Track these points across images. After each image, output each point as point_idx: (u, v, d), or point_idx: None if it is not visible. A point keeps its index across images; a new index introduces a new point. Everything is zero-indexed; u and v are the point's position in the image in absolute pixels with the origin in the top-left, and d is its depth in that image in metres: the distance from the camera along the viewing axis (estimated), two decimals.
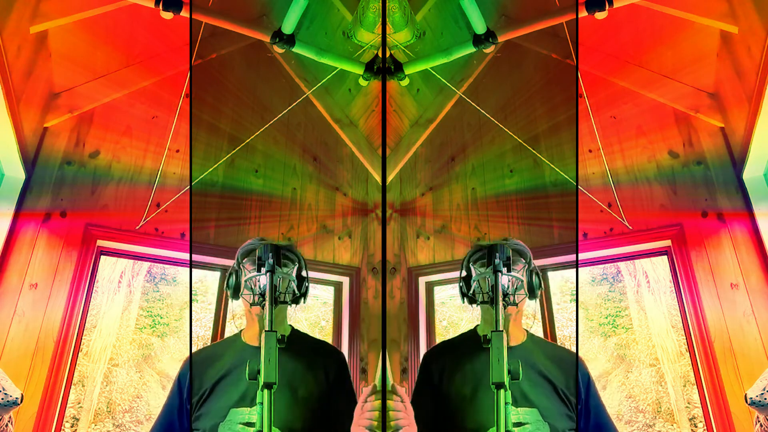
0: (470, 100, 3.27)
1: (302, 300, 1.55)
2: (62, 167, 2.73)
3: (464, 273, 1.57)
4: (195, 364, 1.50)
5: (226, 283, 1.58)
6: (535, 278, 1.53)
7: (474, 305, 1.57)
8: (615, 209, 2.82)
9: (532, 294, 1.53)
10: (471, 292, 1.53)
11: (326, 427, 1.47)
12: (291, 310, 1.58)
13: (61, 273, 2.54)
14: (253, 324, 1.54)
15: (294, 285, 1.50)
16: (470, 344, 1.57)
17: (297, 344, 1.55)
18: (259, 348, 1.47)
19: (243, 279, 1.50)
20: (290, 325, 1.60)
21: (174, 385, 1.50)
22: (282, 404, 1.39)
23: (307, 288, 1.56)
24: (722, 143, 2.71)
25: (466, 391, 1.46)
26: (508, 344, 1.48)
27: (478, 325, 1.63)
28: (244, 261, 1.54)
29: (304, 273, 1.56)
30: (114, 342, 2.70)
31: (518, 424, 1.34)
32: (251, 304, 1.48)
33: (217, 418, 1.38)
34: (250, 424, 1.32)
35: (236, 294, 1.55)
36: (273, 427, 1.23)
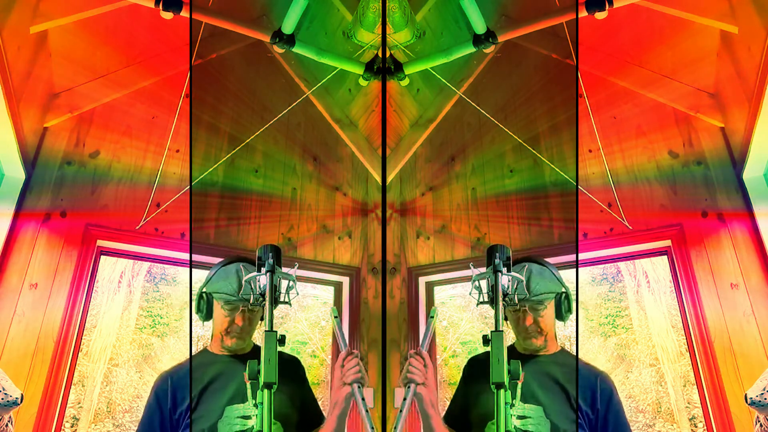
0: (470, 100, 3.27)
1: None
2: (62, 167, 2.73)
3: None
4: (171, 377, 1.54)
5: (197, 307, 1.63)
6: (564, 301, 1.61)
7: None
8: (615, 209, 2.82)
9: (560, 318, 1.62)
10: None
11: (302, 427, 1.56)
12: (291, 310, 1.59)
13: (61, 273, 2.54)
14: (222, 339, 1.60)
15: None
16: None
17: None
18: (227, 357, 1.56)
19: (242, 280, 1.53)
20: (252, 341, 1.66)
21: (152, 402, 1.51)
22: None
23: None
24: (722, 143, 2.71)
25: (482, 388, 1.52)
26: (536, 351, 1.58)
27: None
28: (218, 283, 1.60)
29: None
30: (114, 342, 2.70)
31: (521, 417, 1.38)
32: (251, 304, 1.49)
33: (213, 418, 1.41)
34: (246, 417, 1.35)
35: (209, 316, 1.62)
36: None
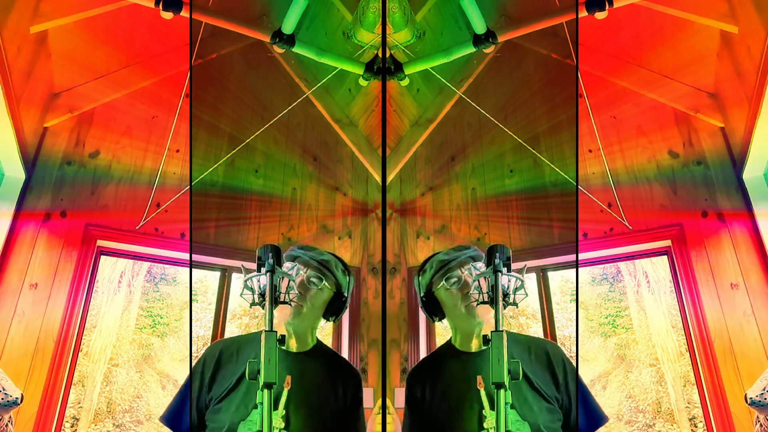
0: (470, 100, 3.27)
1: (333, 318, 1.55)
2: (62, 167, 2.73)
3: (423, 292, 1.56)
4: (222, 353, 1.47)
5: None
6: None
7: (438, 321, 1.58)
8: (615, 209, 2.82)
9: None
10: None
11: None
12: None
13: (61, 273, 2.54)
14: (278, 325, 1.53)
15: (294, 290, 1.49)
16: (446, 359, 1.56)
17: (321, 357, 1.55)
18: (282, 349, 1.50)
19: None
20: (316, 338, 1.59)
21: (197, 367, 1.45)
22: (301, 414, 1.40)
23: (343, 305, 1.55)
24: (722, 143, 2.71)
25: (449, 406, 1.45)
26: (481, 347, 1.50)
27: (452, 337, 1.62)
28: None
29: (345, 293, 1.55)
30: (114, 342, 2.70)
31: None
32: (251, 305, 1.47)
33: (238, 416, 1.36)
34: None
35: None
36: None
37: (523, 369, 1.40)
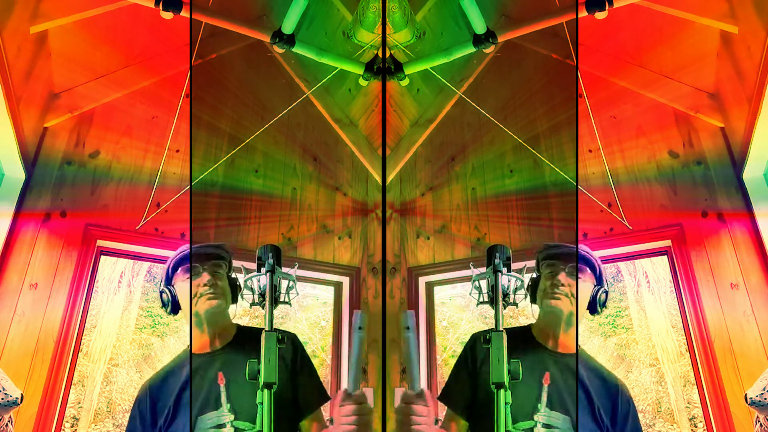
0: (470, 100, 3.27)
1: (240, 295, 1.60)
2: (62, 167, 2.73)
3: (536, 274, 1.64)
4: (151, 389, 1.53)
5: (161, 302, 1.63)
6: (601, 295, 1.58)
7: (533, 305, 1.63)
8: (615, 209, 2.82)
9: (592, 310, 1.58)
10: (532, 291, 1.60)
11: (297, 407, 1.54)
12: (292, 310, 1.58)
13: (61, 273, 2.54)
14: (201, 333, 1.57)
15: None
16: (518, 340, 1.59)
17: (248, 339, 1.59)
18: (204, 354, 1.55)
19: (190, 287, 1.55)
20: (235, 324, 1.63)
21: (134, 412, 1.51)
22: (251, 400, 1.41)
23: (237, 284, 1.62)
24: (722, 143, 2.71)
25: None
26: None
27: (532, 323, 1.65)
28: (177, 272, 1.61)
29: (232, 274, 1.63)
30: (114, 342, 2.70)
31: (547, 426, 1.33)
32: (251, 304, 1.47)
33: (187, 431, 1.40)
34: (220, 426, 1.33)
35: (175, 310, 1.61)
36: (243, 422, 1.30)
37: (591, 391, 1.47)
